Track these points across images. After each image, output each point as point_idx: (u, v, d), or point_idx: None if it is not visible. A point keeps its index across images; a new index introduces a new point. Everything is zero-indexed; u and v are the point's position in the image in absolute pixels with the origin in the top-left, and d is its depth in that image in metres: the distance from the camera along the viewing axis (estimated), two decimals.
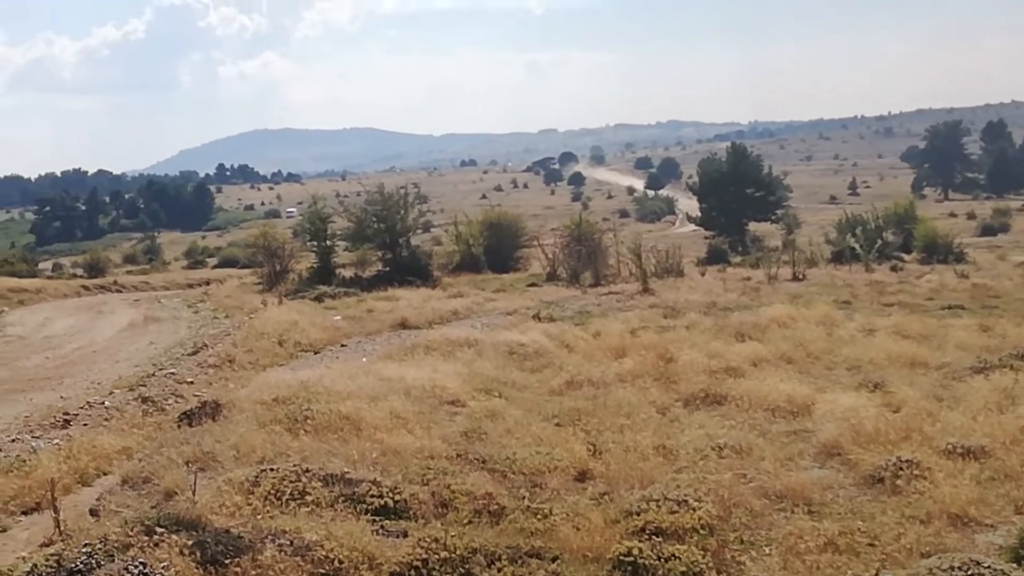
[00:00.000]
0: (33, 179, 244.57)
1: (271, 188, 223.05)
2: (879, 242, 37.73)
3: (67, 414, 13.69)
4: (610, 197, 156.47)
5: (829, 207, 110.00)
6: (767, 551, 7.30)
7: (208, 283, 43.67)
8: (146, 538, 6.69)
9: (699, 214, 71.29)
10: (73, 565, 6.39)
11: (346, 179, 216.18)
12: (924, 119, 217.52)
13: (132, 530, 6.84)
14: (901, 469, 8.74)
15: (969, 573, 6.31)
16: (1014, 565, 6.52)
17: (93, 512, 8.86)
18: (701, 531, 7.54)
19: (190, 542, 6.66)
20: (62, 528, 8.05)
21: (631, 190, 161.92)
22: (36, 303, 34.60)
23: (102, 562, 6.42)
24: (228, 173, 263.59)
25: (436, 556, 6.87)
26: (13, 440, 12.39)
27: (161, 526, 6.89)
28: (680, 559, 6.92)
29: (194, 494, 7.59)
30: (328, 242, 37.24)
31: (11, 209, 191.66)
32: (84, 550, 6.57)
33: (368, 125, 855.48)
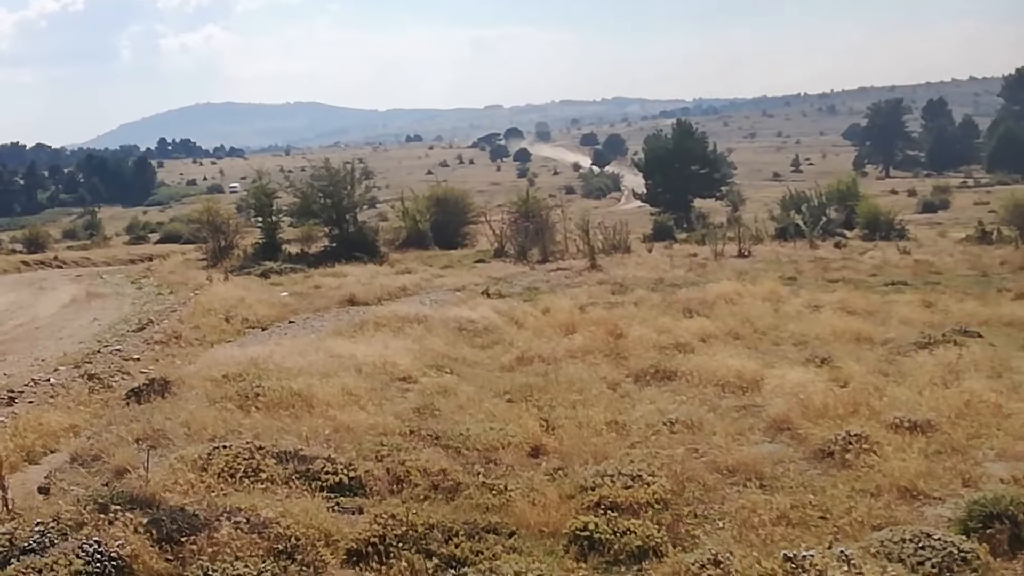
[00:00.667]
0: None
1: (214, 163, 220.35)
2: (823, 219, 38.14)
3: (11, 391, 13.48)
4: (556, 173, 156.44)
5: (772, 184, 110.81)
6: (721, 525, 7.39)
7: (151, 259, 43.13)
8: (100, 516, 6.63)
9: (644, 191, 71.49)
10: (26, 544, 6.32)
11: (290, 154, 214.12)
12: (866, 97, 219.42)
13: (85, 508, 6.77)
14: (850, 443, 8.87)
15: (920, 545, 6.42)
16: (963, 537, 6.64)
17: (42, 490, 8.74)
18: (655, 505, 7.61)
19: (145, 520, 6.60)
20: (10, 507, 7.93)
21: (577, 166, 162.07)
22: None
23: (55, 540, 6.35)
24: (170, 147, 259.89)
25: (393, 532, 6.87)
26: None
27: (115, 504, 6.82)
28: (635, 533, 6.96)
29: (147, 472, 7.51)
30: (274, 218, 36.87)
31: None
32: (37, 528, 6.49)
33: (312, 100, 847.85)
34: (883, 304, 18.06)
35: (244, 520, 6.78)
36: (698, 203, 66.71)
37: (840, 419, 9.68)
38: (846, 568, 5.97)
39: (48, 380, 14.28)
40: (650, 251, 32.92)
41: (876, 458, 8.50)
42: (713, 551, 6.43)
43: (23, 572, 5.95)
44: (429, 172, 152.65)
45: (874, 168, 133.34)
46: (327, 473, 8.12)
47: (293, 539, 6.68)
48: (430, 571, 6.56)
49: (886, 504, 7.52)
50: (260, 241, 36.63)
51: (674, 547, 6.87)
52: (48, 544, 6.30)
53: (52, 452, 10.78)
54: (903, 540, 6.51)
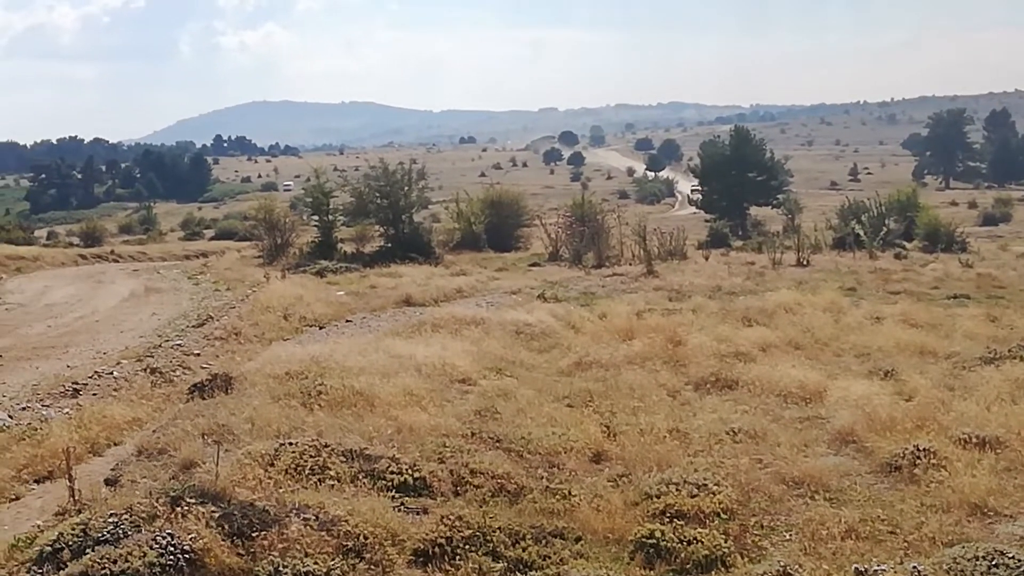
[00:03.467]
0: (29, 146, 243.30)
1: (268, 161, 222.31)
2: (883, 229, 37.69)
3: (76, 383, 13.70)
4: (609, 178, 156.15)
5: (830, 192, 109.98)
6: (788, 537, 7.31)
7: (205, 255, 43.55)
8: (172, 509, 6.69)
9: (699, 196, 71.23)
10: (100, 535, 6.38)
11: (344, 153, 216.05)
12: (927, 106, 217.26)
13: (157, 501, 6.83)
14: (918, 458, 8.75)
15: (993, 563, 6.32)
16: None
17: (108, 482, 8.86)
18: (722, 515, 7.56)
19: (216, 514, 6.66)
20: (77, 497, 8.04)
21: (631, 171, 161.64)
22: (34, 271, 34.49)
23: (128, 532, 6.41)
24: (225, 144, 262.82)
25: (459, 534, 6.89)
26: (24, 408, 12.42)
27: (186, 497, 6.88)
28: (702, 543, 6.93)
29: (216, 466, 7.57)
30: (330, 217, 37.13)
31: (6, 176, 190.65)
32: (110, 520, 6.57)
33: (368, 99, 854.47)
34: (946, 317, 17.79)
35: (313, 517, 6.82)
36: (754, 210, 66.40)
37: (907, 433, 9.54)
38: None
39: (111, 373, 14.49)
40: (707, 258, 32.70)
41: (945, 473, 8.37)
42: (782, 563, 6.39)
43: (98, 562, 6.02)
44: (482, 174, 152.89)
45: (934, 179, 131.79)
46: (392, 473, 8.14)
47: (361, 537, 6.71)
48: (498, 574, 6.57)
49: (956, 520, 7.40)
50: (316, 240, 36.87)
51: (742, 558, 6.83)
52: (122, 535, 6.36)
53: (116, 444, 10.96)
54: (976, 557, 6.41)
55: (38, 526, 7.80)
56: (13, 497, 9.37)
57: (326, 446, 8.45)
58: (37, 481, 9.82)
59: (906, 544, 6.92)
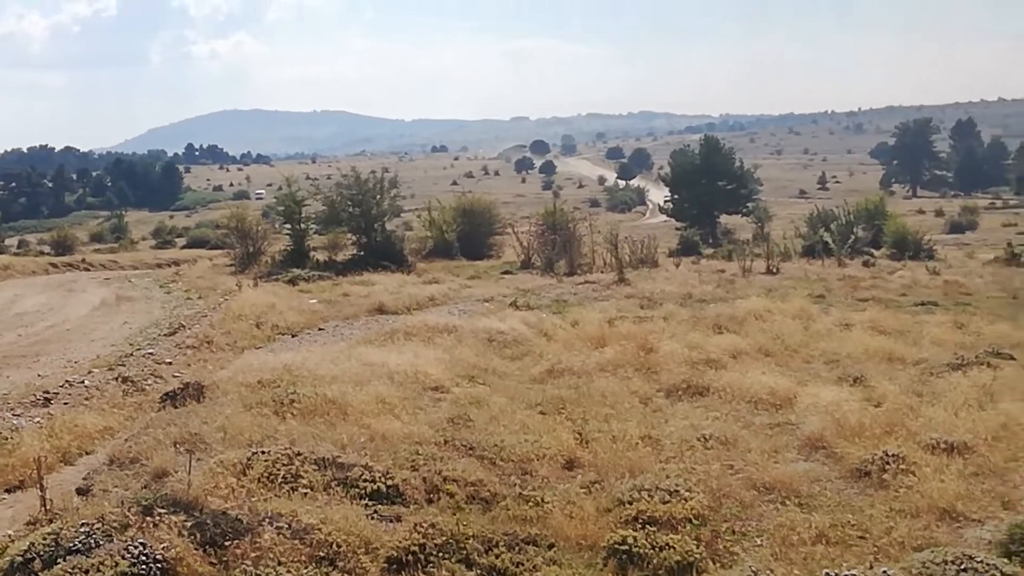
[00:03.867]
0: None
1: (240, 169, 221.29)
2: (851, 237, 37.94)
3: (47, 392, 13.61)
4: (581, 186, 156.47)
5: (799, 201, 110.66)
6: (759, 542, 7.37)
7: (177, 263, 43.32)
8: (144, 518, 6.67)
9: (670, 205, 71.52)
10: (71, 544, 6.37)
11: (316, 162, 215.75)
12: (894, 116, 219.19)
13: (129, 510, 6.82)
14: (887, 463, 8.84)
15: (962, 567, 6.40)
16: (1005, 560, 6.61)
17: (80, 491, 8.83)
18: (693, 521, 7.62)
19: (189, 523, 6.65)
20: (48, 507, 8.01)
21: (602, 180, 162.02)
22: (4, 280, 34.26)
23: (101, 541, 6.39)
24: (197, 153, 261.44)
25: (432, 541, 6.90)
26: None
27: (159, 507, 6.86)
28: (674, 548, 6.98)
29: (189, 475, 7.56)
30: (302, 225, 37.03)
31: None
32: (82, 529, 6.54)
33: (339, 108, 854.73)
34: (914, 324, 17.94)
35: (286, 526, 6.82)
36: (724, 219, 66.73)
37: (876, 439, 9.64)
38: None
39: (82, 382, 14.40)
40: (677, 266, 32.80)
41: (914, 479, 8.46)
42: (753, 568, 6.45)
43: (70, 572, 6.00)
44: (454, 183, 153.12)
45: (901, 187, 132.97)
46: (365, 481, 8.15)
47: (334, 545, 6.72)
48: None
49: (926, 525, 7.49)
50: (288, 248, 36.75)
51: (713, 563, 6.88)
52: (94, 545, 6.35)
53: (88, 453, 10.90)
54: (945, 562, 6.49)
55: (9, 536, 7.74)
56: None
57: (299, 454, 8.46)
58: (8, 491, 9.74)
59: (876, 549, 7.00)
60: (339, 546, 6.73)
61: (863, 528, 7.45)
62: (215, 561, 6.41)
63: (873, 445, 9.38)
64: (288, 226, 37.55)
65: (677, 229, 60.92)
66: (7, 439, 11.02)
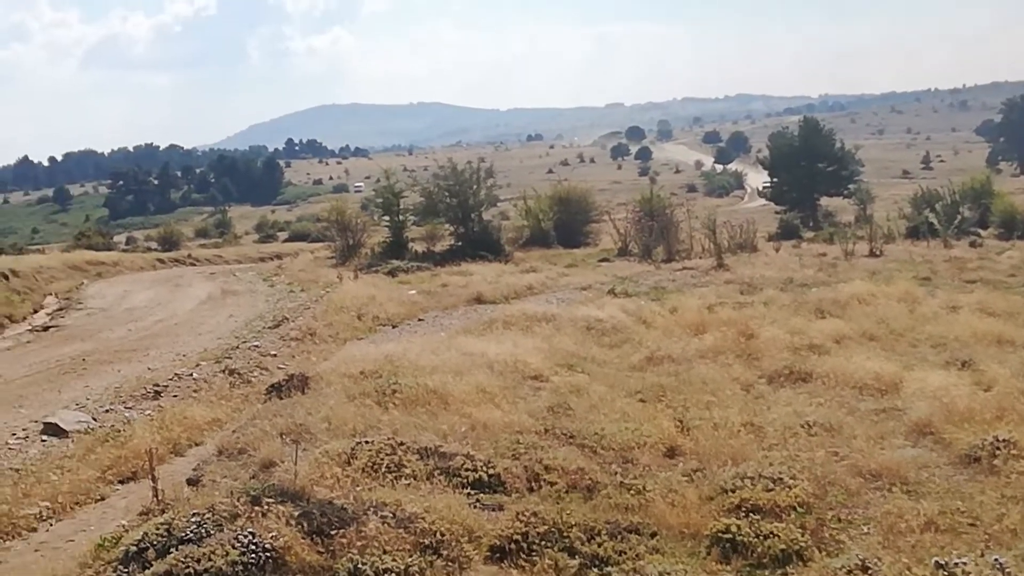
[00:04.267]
0: (107, 154, 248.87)
1: (339, 163, 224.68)
2: (957, 217, 37.01)
3: (157, 385, 14.00)
4: (678, 172, 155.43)
5: (902, 181, 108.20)
6: (866, 530, 7.24)
7: (280, 257, 44.18)
8: (253, 508, 6.82)
9: (769, 189, 70.51)
10: (183, 534, 6.53)
11: (413, 154, 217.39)
12: (1000, 92, 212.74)
13: (239, 500, 6.97)
14: (998, 449, 8.59)
15: None
16: None
17: (190, 482, 9.04)
18: (798, 509, 7.50)
19: (296, 513, 6.77)
20: (161, 497, 8.22)
21: (699, 165, 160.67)
22: (114, 276, 35.27)
23: (211, 531, 6.54)
24: (297, 148, 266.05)
25: (535, 530, 6.93)
26: (107, 411, 12.72)
27: (267, 496, 7.01)
28: (779, 537, 6.89)
29: (295, 465, 7.70)
30: (401, 216, 37.39)
31: (85, 183, 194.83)
32: (193, 519, 6.71)
33: (434, 100, 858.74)
34: None
35: (390, 515, 6.90)
36: (825, 201, 65.52)
37: (986, 424, 9.37)
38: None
39: (191, 375, 14.78)
40: (777, 250, 32.39)
41: None
42: (860, 556, 6.33)
43: (182, 561, 6.16)
44: (550, 171, 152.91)
45: (1008, 165, 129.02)
46: (467, 470, 8.21)
47: (438, 534, 6.78)
48: (574, 570, 6.60)
49: None
50: (387, 240, 37.16)
51: (819, 551, 6.78)
52: (205, 534, 6.50)
53: (197, 445, 11.18)
54: None
55: (123, 526, 7.97)
56: (99, 498, 9.61)
57: (401, 444, 8.55)
58: (121, 482, 10.04)
59: (987, 536, 6.81)
60: (443, 535, 6.79)
61: (973, 515, 7.26)
62: (322, 550, 6.51)
63: (983, 430, 9.12)
64: (387, 218, 37.97)
65: (776, 213, 60.13)
66: (120, 431, 11.37)
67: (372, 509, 6.97)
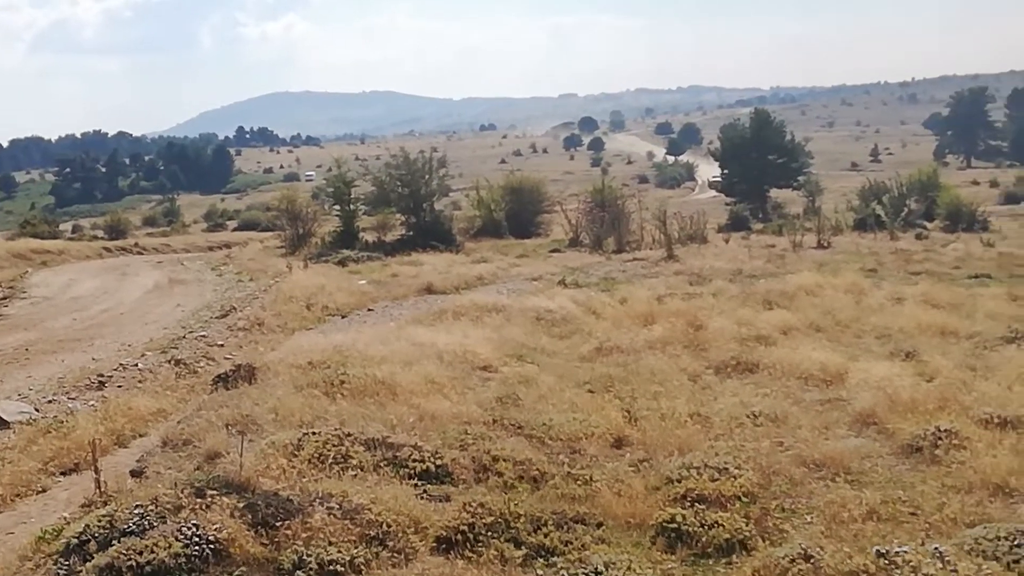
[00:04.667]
0: (54, 140, 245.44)
1: (290, 151, 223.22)
2: (904, 210, 37.52)
3: (101, 376, 13.85)
4: (630, 163, 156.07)
5: (851, 174, 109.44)
6: (809, 519, 7.30)
7: (229, 246, 43.88)
8: (197, 500, 6.76)
9: (720, 180, 71.01)
10: (126, 526, 6.45)
11: (365, 143, 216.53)
12: (948, 85, 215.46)
13: (182, 492, 6.91)
14: (939, 439, 8.71)
15: (1016, 543, 6.30)
16: None
17: (134, 473, 8.93)
18: (743, 499, 7.56)
19: (241, 504, 6.72)
20: (103, 489, 8.13)
21: (651, 156, 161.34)
22: (59, 264, 34.83)
23: (154, 523, 6.47)
24: (248, 136, 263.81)
25: (482, 520, 6.92)
26: (50, 401, 12.56)
27: (211, 488, 6.95)
28: (723, 526, 6.94)
29: (241, 457, 7.64)
30: (351, 206, 37.23)
31: (32, 170, 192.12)
32: (136, 511, 6.64)
33: (388, 88, 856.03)
34: (968, 297, 17.70)
35: (336, 506, 6.87)
36: (775, 193, 66.14)
37: (928, 414, 9.49)
38: (940, 565, 5.88)
39: (136, 365, 14.62)
40: (727, 241, 32.69)
41: (966, 454, 8.33)
42: (803, 545, 6.38)
43: (124, 553, 6.08)
44: (503, 161, 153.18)
45: (955, 158, 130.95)
46: (414, 461, 8.19)
47: (384, 525, 6.75)
48: (519, 560, 6.60)
49: (978, 501, 7.38)
50: (338, 229, 37.00)
51: (763, 541, 6.84)
52: (148, 527, 6.43)
53: (141, 436, 11.04)
54: (998, 538, 6.39)
55: (65, 518, 7.85)
56: (40, 489, 9.46)
57: (348, 435, 8.51)
58: (63, 473, 9.90)
59: (927, 525, 6.90)
60: (389, 526, 6.76)
61: (915, 504, 7.35)
62: (267, 541, 6.47)
63: (925, 420, 9.24)
64: (337, 207, 37.79)
65: (727, 204, 60.55)
66: (63, 422, 11.20)
67: (318, 500, 6.93)
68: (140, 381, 13.74)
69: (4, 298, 24.87)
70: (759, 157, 64.37)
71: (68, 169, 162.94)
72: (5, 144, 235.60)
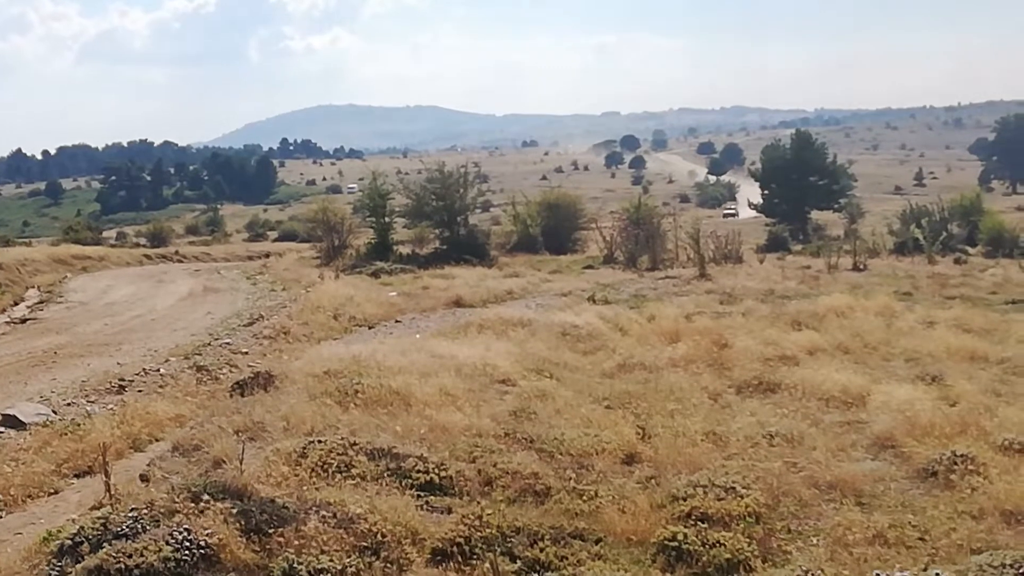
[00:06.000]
0: (100, 148, 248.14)
1: (333, 164, 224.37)
2: (944, 234, 37.09)
3: (122, 380, 13.93)
4: (671, 181, 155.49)
5: (894, 197, 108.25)
6: (814, 541, 7.18)
7: (268, 256, 44.22)
8: (192, 505, 6.74)
9: (760, 201, 70.60)
10: (119, 529, 6.45)
11: (408, 156, 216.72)
12: (994, 111, 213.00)
13: (178, 496, 6.89)
14: (955, 463, 8.55)
15: (1021, 571, 6.15)
16: None
17: (143, 477, 8.94)
18: (748, 519, 7.43)
19: (235, 510, 6.69)
20: (112, 492, 8.14)
21: (692, 175, 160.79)
22: (99, 270, 35.30)
23: (147, 527, 6.47)
24: (292, 148, 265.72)
25: (479, 533, 6.85)
26: (69, 404, 12.63)
27: (207, 493, 6.92)
28: (725, 546, 6.83)
29: (241, 463, 7.62)
30: (387, 218, 37.38)
31: (78, 178, 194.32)
32: (130, 514, 6.64)
33: (432, 103, 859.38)
34: (1002, 323, 17.39)
35: (331, 515, 6.82)
36: (816, 215, 65.67)
37: (947, 438, 9.32)
38: None
39: (158, 370, 14.71)
40: (762, 262, 32.44)
41: (981, 480, 8.17)
42: (804, 568, 6.27)
43: (114, 556, 6.07)
44: (544, 177, 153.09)
45: (1001, 184, 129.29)
46: (418, 472, 8.13)
47: (379, 535, 6.70)
48: (513, 574, 6.52)
49: (989, 527, 7.22)
50: (373, 241, 37.14)
51: (764, 562, 6.73)
52: (140, 530, 6.42)
53: (157, 440, 11.09)
54: (1004, 565, 6.23)
55: (72, 520, 7.86)
56: (52, 491, 9.53)
57: (354, 444, 8.47)
58: (77, 476, 9.97)
59: (933, 551, 6.77)
60: (384, 536, 6.71)
61: (923, 529, 7.20)
62: (258, 548, 6.43)
63: (943, 444, 9.07)
64: (373, 219, 37.94)
65: (766, 225, 60.20)
66: (79, 425, 11.27)
67: (314, 508, 6.89)
68: (161, 386, 13.81)
69: (41, 302, 25.22)
70: (800, 178, 63.96)
71: (114, 177, 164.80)
72: (53, 151, 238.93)
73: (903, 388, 11.85)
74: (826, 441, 9.80)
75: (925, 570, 6.09)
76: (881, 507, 7.85)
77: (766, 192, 69.11)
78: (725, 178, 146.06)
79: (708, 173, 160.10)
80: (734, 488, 7.90)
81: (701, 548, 6.83)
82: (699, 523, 7.27)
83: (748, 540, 7.01)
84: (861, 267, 29.38)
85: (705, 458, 9.07)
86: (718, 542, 6.90)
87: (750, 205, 76.21)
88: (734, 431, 10.17)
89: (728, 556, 6.75)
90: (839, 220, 64.70)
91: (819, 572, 6.19)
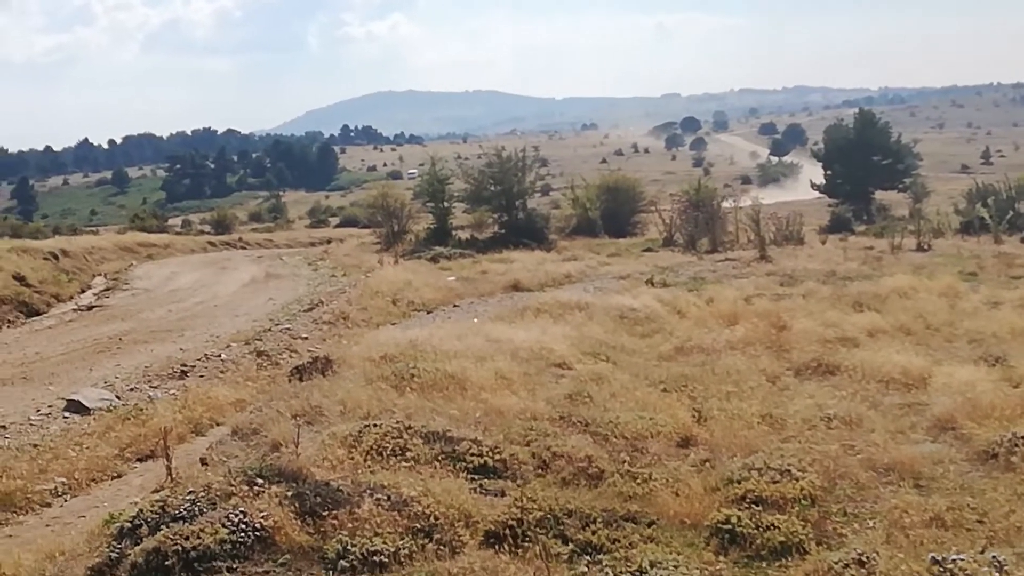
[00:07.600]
0: (165, 137, 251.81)
1: (393, 149, 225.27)
2: (1011, 213, 36.35)
3: (184, 365, 14.17)
4: (732, 163, 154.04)
5: (960, 176, 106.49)
6: (870, 524, 7.10)
7: (329, 242, 44.57)
8: (247, 488, 6.83)
9: (823, 181, 69.68)
10: (177, 512, 6.57)
11: (467, 141, 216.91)
12: None
13: (235, 480, 6.99)
14: (1016, 445, 8.38)
15: None
16: None
17: (203, 461, 9.10)
18: (803, 501, 7.36)
19: (290, 493, 6.77)
20: (173, 476, 8.29)
21: (754, 156, 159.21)
22: (164, 257, 35.82)
23: (204, 509, 6.58)
24: (352, 134, 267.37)
25: (531, 516, 6.87)
26: (132, 389, 12.87)
27: (263, 477, 7.01)
28: (779, 529, 6.77)
29: (297, 446, 7.71)
30: (446, 203, 37.52)
31: (144, 166, 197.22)
32: (188, 497, 6.75)
33: (491, 88, 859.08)
34: None
35: (386, 497, 6.87)
36: (879, 195, 64.65)
37: (1008, 420, 9.16)
38: (996, 573, 5.68)
39: (220, 356, 14.93)
40: (824, 243, 32.05)
41: None
42: (859, 551, 6.19)
43: (171, 538, 6.18)
44: (603, 160, 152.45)
45: None
46: (472, 455, 8.17)
47: (432, 518, 6.73)
48: (565, 556, 6.53)
49: None
50: (432, 226, 37.29)
51: (818, 545, 6.66)
52: (197, 513, 6.53)
53: (218, 425, 11.28)
54: None
55: (135, 503, 8.02)
56: (115, 475, 9.75)
57: (409, 428, 8.52)
58: (140, 460, 10.19)
59: (991, 533, 6.65)
60: (437, 518, 6.74)
61: (982, 512, 7.08)
62: (312, 531, 6.50)
63: (1004, 426, 8.91)
64: (432, 204, 38.07)
65: (829, 206, 59.43)
66: (142, 410, 11.49)
67: (368, 491, 6.94)
68: (222, 371, 14.03)
69: (107, 289, 25.66)
70: (863, 158, 62.92)
71: (179, 165, 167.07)
72: (119, 141, 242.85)
73: (965, 369, 11.66)
74: (885, 423, 9.69)
75: (983, 552, 6.00)
76: (939, 490, 7.73)
77: (829, 172, 68.15)
78: (787, 159, 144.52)
79: (770, 154, 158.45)
80: (789, 471, 7.83)
81: (755, 531, 6.78)
82: (753, 506, 7.22)
83: (803, 523, 6.94)
84: (925, 247, 28.94)
85: (761, 441, 9.00)
86: (772, 525, 6.84)
87: (812, 186, 75.27)
88: (791, 413, 10.08)
89: (782, 539, 6.69)
90: (904, 200, 63.61)
91: (874, 555, 6.10)
